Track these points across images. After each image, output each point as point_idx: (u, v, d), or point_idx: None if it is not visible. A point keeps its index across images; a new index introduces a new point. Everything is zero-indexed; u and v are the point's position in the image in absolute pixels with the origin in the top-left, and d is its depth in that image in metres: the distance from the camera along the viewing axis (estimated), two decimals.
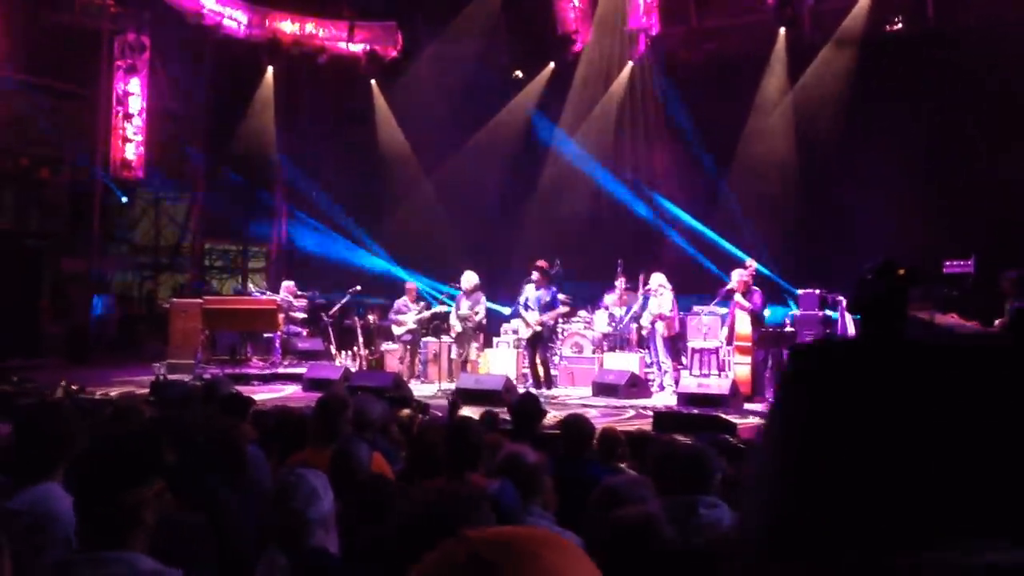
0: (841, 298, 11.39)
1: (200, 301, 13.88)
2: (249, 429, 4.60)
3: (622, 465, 5.15)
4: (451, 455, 3.93)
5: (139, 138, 18.09)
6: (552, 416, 9.73)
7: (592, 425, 4.82)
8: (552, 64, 18.05)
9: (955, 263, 10.19)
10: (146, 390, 10.94)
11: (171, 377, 12.63)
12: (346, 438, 4.13)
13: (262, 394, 11.90)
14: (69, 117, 17.57)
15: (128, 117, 17.94)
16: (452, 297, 13.44)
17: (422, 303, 13.81)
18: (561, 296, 12.60)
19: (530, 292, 12.28)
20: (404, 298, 13.76)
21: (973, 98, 13.12)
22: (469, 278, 12.89)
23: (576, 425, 4.65)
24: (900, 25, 15.06)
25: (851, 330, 11.12)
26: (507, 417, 6.32)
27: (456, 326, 12.89)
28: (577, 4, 17.38)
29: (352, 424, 4.73)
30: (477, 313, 12.84)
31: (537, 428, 5.31)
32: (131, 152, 18.02)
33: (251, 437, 4.38)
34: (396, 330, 13.67)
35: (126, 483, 2.06)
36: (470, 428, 4.07)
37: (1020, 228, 11.89)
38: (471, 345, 13.09)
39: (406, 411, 6.21)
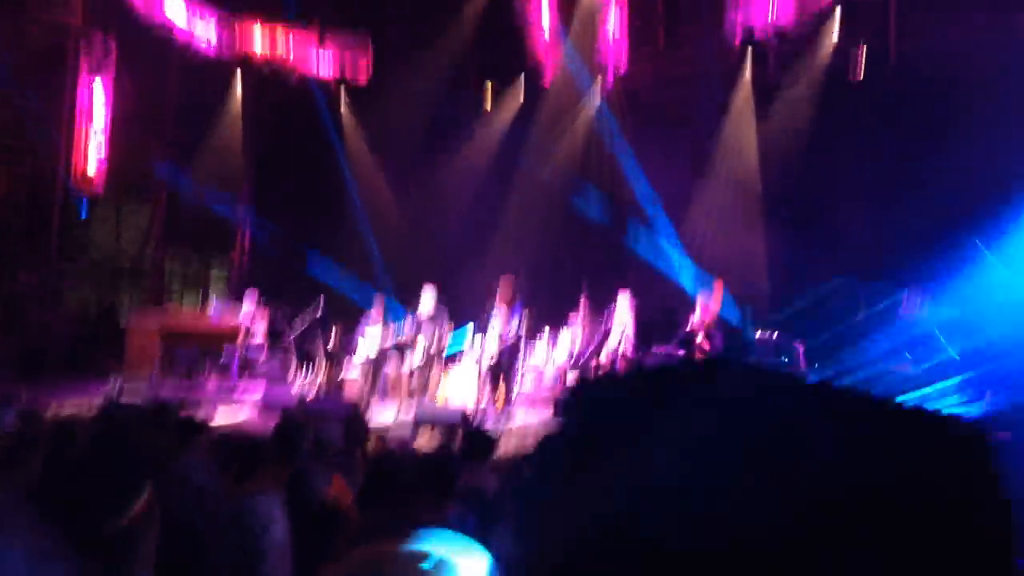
0: (797, 344, 11.41)
1: (158, 321, 13.67)
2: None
3: None
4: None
5: (101, 155, 17.85)
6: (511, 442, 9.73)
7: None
8: (522, 94, 18.21)
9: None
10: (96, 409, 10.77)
11: (126, 395, 12.42)
12: (302, 462, 4.09)
13: (217, 416, 11.74)
14: (28, 129, 17.31)
15: (90, 126, 17.71)
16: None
17: (388, 324, 13.42)
18: (518, 324, 12.52)
19: (495, 319, 12.25)
20: (372, 311, 13.45)
21: (935, 135, 13.35)
22: (428, 301, 12.74)
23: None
24: (862, 69, 15.36)
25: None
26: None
27: (419, 352, 12.71)
28: (547, 39, 17.55)
29: (311, 447, 4.69)
30: (442, 338, 12.75)
31: (486, 461, 5.28)
32: (92, 161, 17.78)
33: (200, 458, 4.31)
34: (357, 357, 13.39)
35: (129, 495, 1.97)
36: (449, 462, 4.06)
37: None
38: (433, 370, 12.98)
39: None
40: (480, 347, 12.78)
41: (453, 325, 12.90)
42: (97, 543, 1.91)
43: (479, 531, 3.20)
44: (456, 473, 4.02)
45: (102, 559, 1.92)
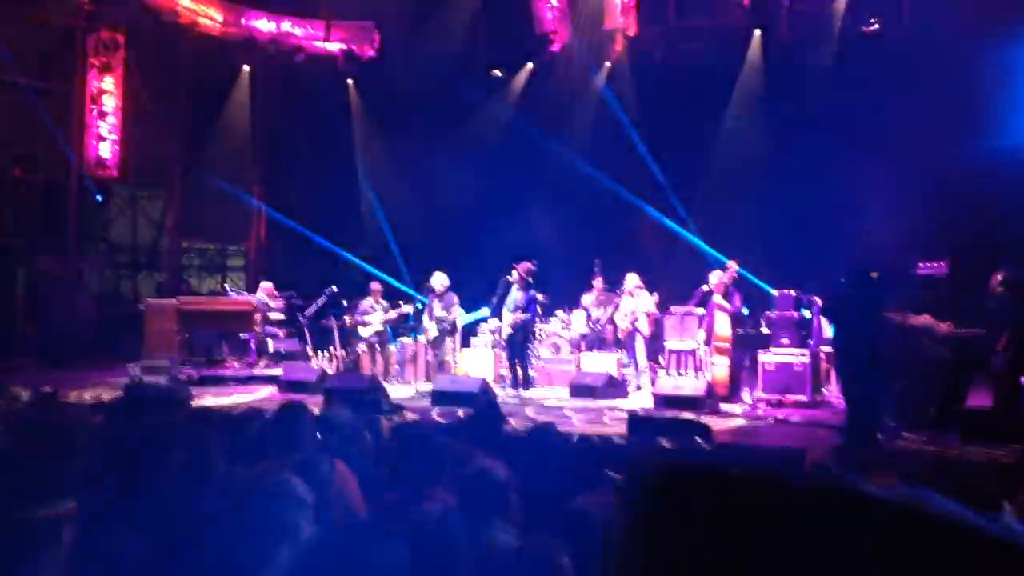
0: (816, 299, 11.42)
1: (175, 302, 13.75)
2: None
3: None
4: (412, 467, 3.90)
5: (114, 137, 17.91)
6: (528, 416, 9.76)
7: (561, 437, 4.79)
8: (530, 64, 18.03)
9: (928, 264, 10.23)
10: (119, 392, 10.87)
11: (146, 379, 12.54)
12: (306, 448, 4.08)
13: (238, 396, 11.85)
14: (43, 115, 17.36)
15: (103, 115, 17.77)
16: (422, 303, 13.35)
17: (387, 303, 13.74)
18: (539, 296, 12.56)
19: (513, 293, 12.26)
20: (369, 299, 13.72)
21: (949, 99, 13.14)
22: (440, 279, 12.84)
23: (544, 437, 4.60)
24: (876, 26, 15.08)
25: (826, 332, 11.15)
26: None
27: (431, 329, 12.83)
28: (555, 4, 17.34)
29: (318, 431, 4.67)
30: (452, 314, 12.81)
31: (497, 436, 5.26)
32: (106, 150, 17.86)
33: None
34: (362, 332, 13.61)
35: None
36: (430, 441, 4.02)
37: (994, 230, 11.98)
38: (446, 346, 13.05)
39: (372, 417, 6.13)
40: (497, 325, 12.86)
41: (461, 306, 12.99)
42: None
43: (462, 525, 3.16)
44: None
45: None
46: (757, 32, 15.59)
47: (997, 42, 12.96)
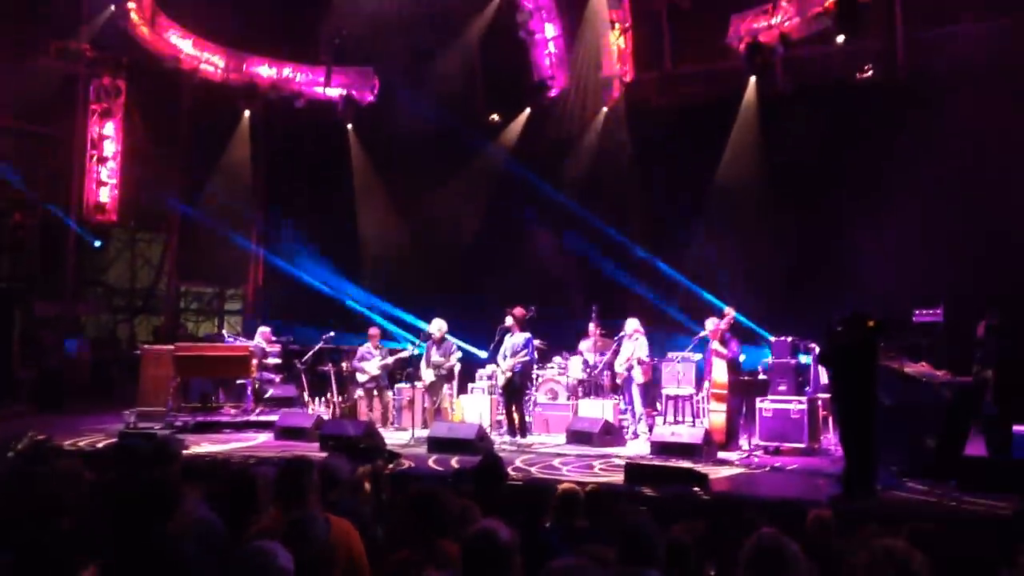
0: (813, 345, 11.41)
1: (171, 348, 13.70)
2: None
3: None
4: (419, 525, 3.89)
5: (113, 181, 18.06)
6: (520, 466, 9.71)
7: (552, 494, 4.76)
8: (528, 109, 18.18)
9: (925, 312, 10.25)
10: (114, 439, 10.83)
11: (141, 425, 12.50)
12: (305, 506, 4.07)
13: (234, 443, 11.77)
14: (43, 160, 17.49)
15: (102, 161, 17.91)
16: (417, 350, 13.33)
17: (385, 349, 13.75)
18: (536, 342, 12.55)
19: (507, 339, 12.24)
20: (367, 344, 13.73)
21: (946, 144, 13.20)
22: (438, 325, 12.84)
23: (534, 494, 4.59)
24: (871, 72, 15.20)
25: (823, 379, 11.13)
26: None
27: (428, 375, 12.80)
28: (553, 50, 17.53)
29: (320, 484, 4.63)
30: (450, 360, 12.79)
31: (498, 491, 5.23)
32: (105, 195, 17.98)
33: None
34: (360, 377, 13.61)
35: None
36: (437, 498, 4.01)
37: (992, 276, 12.03)
38: (443, 392, 13.01)
39: (369, 466, 6.11)
40: (493, 371, 12.85)
41: (460, 351, 12.98)
42: None
43: None
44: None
45: None
46: (752, 78, 15.72)
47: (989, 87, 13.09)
